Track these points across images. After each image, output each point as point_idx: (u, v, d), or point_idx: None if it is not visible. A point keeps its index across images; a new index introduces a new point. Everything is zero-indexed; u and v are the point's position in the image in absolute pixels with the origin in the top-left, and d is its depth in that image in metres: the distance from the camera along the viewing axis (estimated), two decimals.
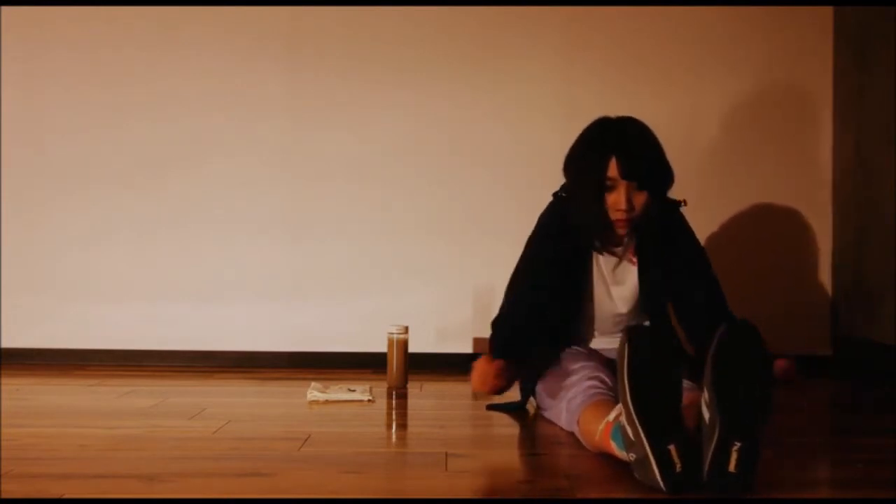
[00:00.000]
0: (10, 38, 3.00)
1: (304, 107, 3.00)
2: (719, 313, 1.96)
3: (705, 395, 1.40)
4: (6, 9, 2.99)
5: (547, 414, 1.97)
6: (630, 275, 2.05)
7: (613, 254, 2.03)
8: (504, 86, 2.98)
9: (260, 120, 3.00)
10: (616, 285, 2.06)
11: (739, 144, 2.99)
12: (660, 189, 1.94)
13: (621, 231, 1.94)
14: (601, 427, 1.56)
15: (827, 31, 3.01)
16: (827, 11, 3.00)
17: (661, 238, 2.01)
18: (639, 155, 1.89)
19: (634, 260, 2.05)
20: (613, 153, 1.87)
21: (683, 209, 2.09)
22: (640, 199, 1.90)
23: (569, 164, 2.00)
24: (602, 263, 2.05)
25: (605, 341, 2.08)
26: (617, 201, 1.88)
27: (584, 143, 1.98)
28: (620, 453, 1.48)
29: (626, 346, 1.43)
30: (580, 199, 1.95)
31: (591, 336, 2.09)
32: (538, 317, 1.97)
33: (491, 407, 2.13)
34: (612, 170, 1.87)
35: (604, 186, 1.89)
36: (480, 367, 1.84)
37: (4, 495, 1.30)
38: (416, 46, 3.00)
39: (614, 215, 1.90)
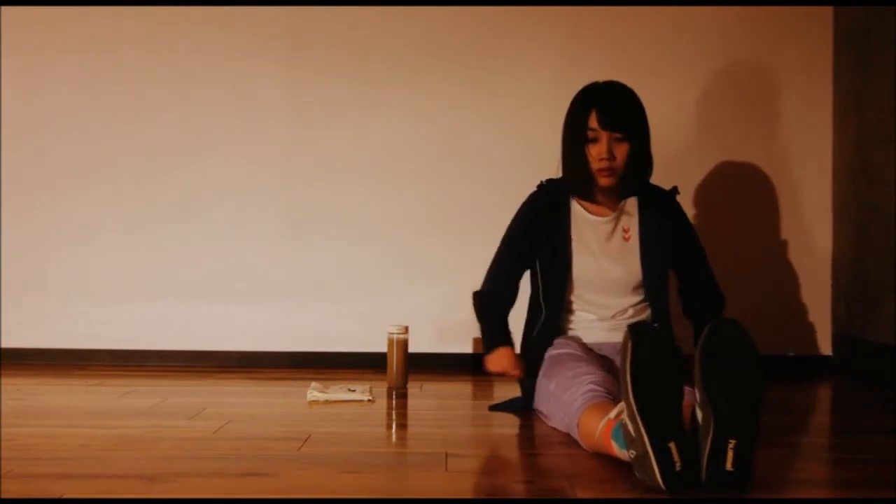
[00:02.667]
0: (9, 38, 3.00)
1: (304, 107, 3.00)
2: (715, 291, 2.21)
3: (696, 395, 1.40)
4: (6, 9, 2.99)
5: (545, 417, 1.97)
6: (626, 254, 2.08)
7: (594, 203, 2.11)
8: (504, 86, 2.98)
9: (260, 120, 3.00)
10: (608, 259, 2.08)
11: (739, 144, 2.99)
12: (640, 140, 2.04)
13: (604, 182, 2.03)
14: (601, 425, 1.56)
15: (827, 31, 3.01)
16: (827, 11, 3.00)
17: (660, 219, 2.10)
18: (617, 107, 2.02)
19: (628, 237, 2.09)
20: (594, 106, 2.01)
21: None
22: (622, 150, 2.01)
23: (563, 134, 2.12)
24: (588, 232, 2.09)
25: (602, 332, 2.08)
26: (599, 151, 2.00)
27: (570, 105, 2.11)
28: (621, 453, 1.48)
29: (630, 342, 1.43)
30: (567, 155, 2.09)
31: (579, 306, 2.10)
32: (512, 283, 2.18)
33: (494, 407, 2.13)
34: (593, 121, 2.01)
35: (586, 138, 2.02)
36: (498, 353, 2.08)
37: (4, 495, 1.30)
38: (417, 46, 3.00)
39: (597, 165, 2.02)
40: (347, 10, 2.99)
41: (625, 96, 2.04)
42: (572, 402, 1.74)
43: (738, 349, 1.41)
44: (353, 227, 2.99)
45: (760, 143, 3.00)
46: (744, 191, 3.00)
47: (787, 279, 3.00)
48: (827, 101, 3.01)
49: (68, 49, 3.00)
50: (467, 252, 2.97)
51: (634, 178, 2.06)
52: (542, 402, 1.98)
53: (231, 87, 3.00)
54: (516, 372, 2.07)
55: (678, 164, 2.96)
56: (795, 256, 3.00)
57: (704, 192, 2.98)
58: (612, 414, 1.53)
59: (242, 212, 2.99)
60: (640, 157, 2.05)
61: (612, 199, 2.11)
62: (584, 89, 2.09)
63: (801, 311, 3.00)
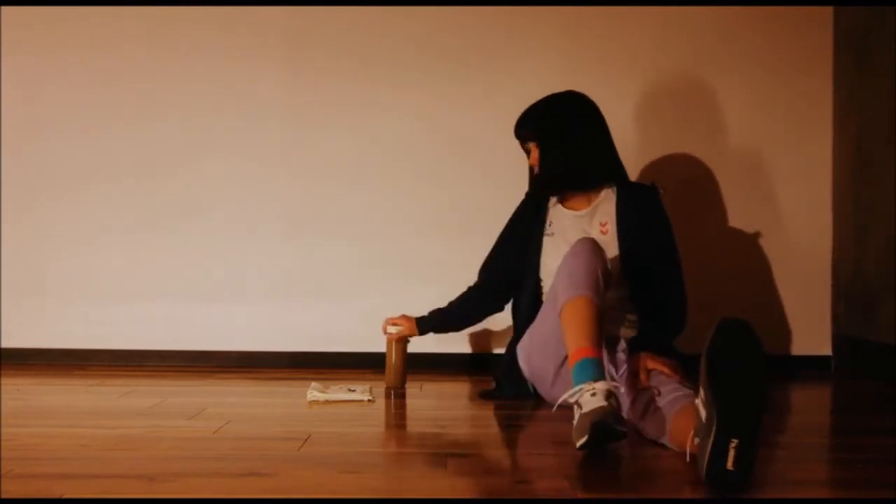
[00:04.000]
0: (9, 38, 3.00)
1: (304, 107, 3.00)
2: (672, 305, 2.11)
3: (701, 393, 1.40)
4: (6, 9, 2.99)
5: (528, 363, 2.14)
6: (605, 246, 2.09)
7: (568, 200, 2.26)
8: (504, 86, 2.98)
9: (260, 120, 3.00)
10: None
11: (739, 144, 2.99)
12: (545, 143, 2.21)
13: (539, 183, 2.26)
14: (572, 350, 1.73)
15: (827, 31, 3.01)
16: (827, 11, 3.00)
17: (638, 213, 2.16)
18: (520, 121, 2.28)
19: (605, 230, 2.17)
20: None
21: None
22: (535, 152, 2.24)
23: None
24: (568, 227, 2.20)
25: None
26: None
27: None
28: (571, 389, 1.66)
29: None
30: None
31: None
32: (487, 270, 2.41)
33: (483, 395, 2.28)
34: None
35: (527, 154, 2.30)
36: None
37: (4, 495, 1.30)
38: (417, 46, 3.00)
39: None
40: (347, 10, 2.99)
41: (532, 109, 2.27)
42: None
43: (746, 350, 1.40)
44: (353, 227, 2.99)
45: (760, 143, 3.00)
46: (743, 190, 2.99)
47: (787, 279, 3.00)
48: (827, 101, 3.01)
49: (68, 49, 3.00)
50: (467, 252, 2.96)
51: (556, 176, 2.20)
52: (538, 374, 2.13)
53: (231, 87, 3.00)
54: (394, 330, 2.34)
55: (677, 163, 2.97)
56: (795, 256, 3.00)
57: (703, 192, 2.98)
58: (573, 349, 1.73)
59: (242, 212, 2.99)
60: (550, 158, 2.19)
61: (584, 195, 2.23)
62: None
63: (801, 311, 3.00)
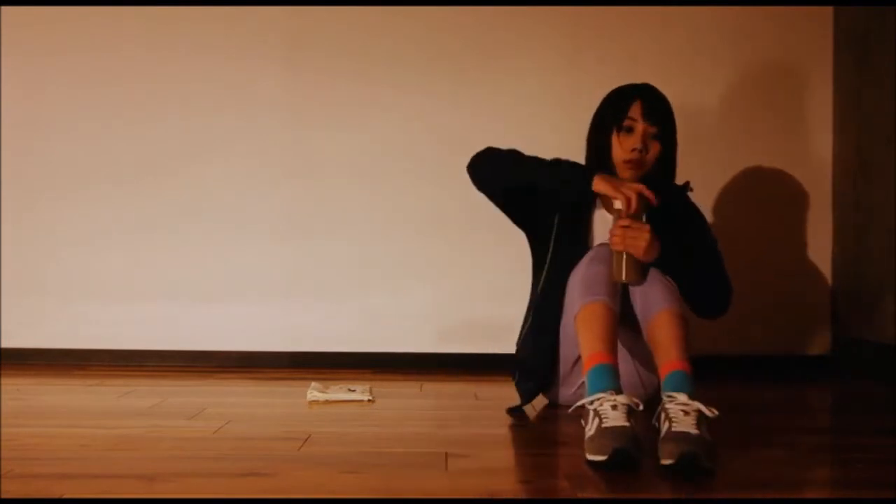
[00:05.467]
0: (9, 38, 3.00)
1: (304, 107, 3.00)
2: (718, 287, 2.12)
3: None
4: (6, 9, 2.99)
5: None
6: None
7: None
8: (505, 85, 2.98)
9: (260, 120, 3.00)
10: None
11: (739, 144, 2.99)
12: (671, 145, 2.03)
13: (628, 174, 1.98)
14: (585, 356, 1.69)
15: (827, 31, 3.01)
16: (827, 11, 3.00)
17: (672, 215, 2.03)
18: (660, 104, 2.00)
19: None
20: (639, 97, 1.99)
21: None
22: (655, 147, 1.99)
23: (592, 123, 2.09)
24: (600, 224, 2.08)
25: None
26: (634, 141, 1.97)
27: (609, 96, 2.07)
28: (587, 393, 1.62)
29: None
30: (594, 141, 2.06)
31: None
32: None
33: (511, 410, 2.08)
34: (635, 111, 1.98)
35: (620, 126, 1.99)
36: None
37: (4, 495, 1.30)
38: (417, 46, 3.00)
39: (627, 156, 1.98)
40: (347, 10, 2.99)
41: (665, 100, 2.04)
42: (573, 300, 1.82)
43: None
44: (353, 227, 2.99)
45: (760, 143, 3.00)
46: (743, 191, 3.00)
47: (787, 279, 3.00)
48: (827, 101, 3.01)
49: (68, 49, 3.00)
50: (467, 252, 2.97)
51: (657, 180, 2.01)
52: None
53: (231, 87, 3.00)
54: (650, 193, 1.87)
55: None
56: (795, 256, 3.00)
57: (703, 192, 2.97)
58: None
59: (242, 212, 2.99)
60: (667, 162, 2.04)
61: None
62: (624, 86, 2.06)
63: (801, 310, 3.00)
